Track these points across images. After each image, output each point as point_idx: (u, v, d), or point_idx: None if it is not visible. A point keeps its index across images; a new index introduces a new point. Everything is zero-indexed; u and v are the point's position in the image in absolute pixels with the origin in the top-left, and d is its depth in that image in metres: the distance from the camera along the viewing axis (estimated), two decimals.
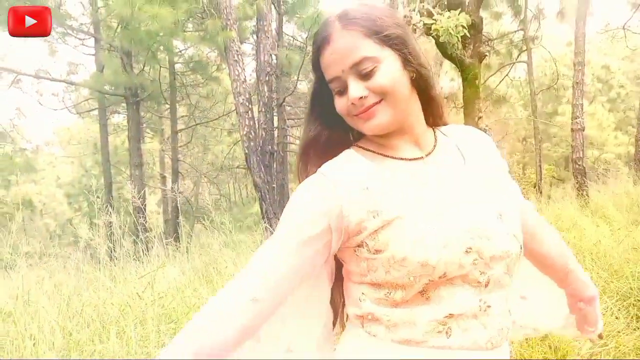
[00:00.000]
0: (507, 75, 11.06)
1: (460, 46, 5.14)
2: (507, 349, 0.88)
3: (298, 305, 0.92)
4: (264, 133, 7.97)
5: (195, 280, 3.45)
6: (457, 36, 4.49)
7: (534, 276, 1.13)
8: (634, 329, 2.45)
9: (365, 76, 0.82)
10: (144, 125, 12.55)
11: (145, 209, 7.51)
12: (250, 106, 7.69)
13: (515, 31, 10.62)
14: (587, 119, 13.42)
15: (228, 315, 0.78)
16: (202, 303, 1.56)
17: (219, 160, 13.93)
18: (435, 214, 0.82)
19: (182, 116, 13.19)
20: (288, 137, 10.03)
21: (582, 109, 8.32)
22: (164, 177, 13.43)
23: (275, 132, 9.16)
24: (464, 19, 4.48)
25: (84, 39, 10.84)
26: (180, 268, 3.80)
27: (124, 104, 10.93)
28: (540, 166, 9.61)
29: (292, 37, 11.23)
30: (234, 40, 7.38)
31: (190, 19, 8.75)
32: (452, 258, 0.78)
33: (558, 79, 11.76)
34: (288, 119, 10.16)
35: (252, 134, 7.60)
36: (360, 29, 0.82)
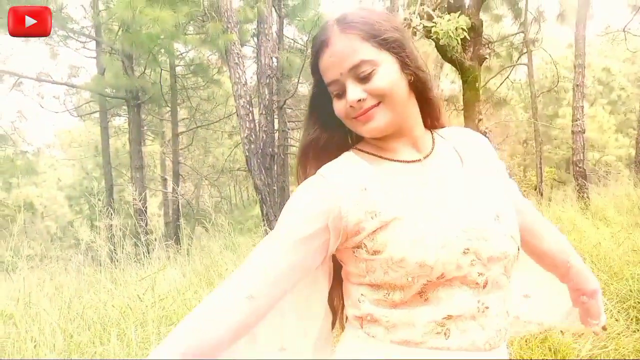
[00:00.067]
0: (507, 77, 11.06)
1: (460, 49, 5.15)
2: (505, 350, 0.89)
3: (295, 305, 0.92)
4: (264, 135, 7.98)
5: (196, 283, 3.45)
6: (457, 39, 4.50)
7: (535, 274, 1.15)
8: (634, 331, 2.45)
9: (364, 79, 0.83)
10: (145, 127, 12.56)
11: (146, 212, 7.52)
12: (250, 109, 7.70)
13: (516, 34, 10.63)
14: (587, 122, 13.42)
15: (223, 313, 0.78)
16: None
17: (220, 162, 13.94)
18: (433, 215, 0.82)
19: (183, 119, 13.21)
20: (289, 139, 10.04)
21: (582, 111, 8.32)
22: (164, 180, 13.45)
23: (276, 135, 9.18)
24: (463, 21, 4.49)
25: (85, 42, 10.88)
26: (181, 270, 3.81)
27: (125, 107, 10.95)
28: (540, 168, 9.61)
29: (292, 39, 11.25)
30: (234, 43, 7.40)
31: (191, 22, 8.77)
32: (450, 258, 0.79)
33: (558, 81, 11.77)
34: (289, 122, 10.17)
35: (253, 136, 7.62)
36: (359, 32, 0.83)
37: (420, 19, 4.71)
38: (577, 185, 7.99)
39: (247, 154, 7.63)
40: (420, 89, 0.90)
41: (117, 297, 2.87)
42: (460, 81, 6.14)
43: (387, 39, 0.84)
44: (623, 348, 2.28)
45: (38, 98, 12.60)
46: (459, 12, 4.94)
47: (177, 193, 9.02)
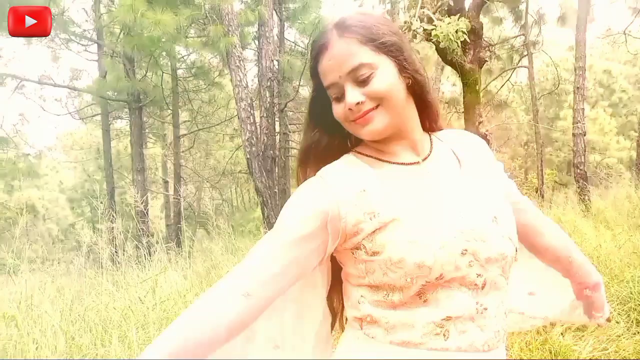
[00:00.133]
0: (508, 80, 11.07)
1: (460, 52, 5.16)
2: (503, 351, 0.89)
3: (294, 305, 0.93)
4: (265, 138, 8.00)
5: (197, 285, 3.46)
6: (457, 42, 4.52)
7: (539, 271, 1.16)
8: (634, 333, 2.44)
9: (362, 82, 0.84)
10: (147, 130, 12.57)
11: (147, 214, 7.53)
12: (252, 111, 7.72)
13: (516, 36, 10.64)
14: (589, 124, 13.43)
15: (219, 310, 0.78)
16: None
17: (221, 165, 13.95)
18: (431, 217, 0.83)
19: (185, 121, 13.22)
20: (290, 142, 10.04)
21: (583, 113, 8.33)
22: (166, 182, 13.46)
23: (277, 138, 9.19)
24: (464, 24, 4.51)
25: (87, 45, 10.92)
26: (182, 273, 3.81)
27: (126, 110, 10.97)
28: (542, 171, 9.60)
29: (293, 42, 11.27)
30: (235, 46, 7.42)
31: (193, 25, 8.79)
32: (449, 259, 0.80)
33: (559, 83, 11.78)
34: (290, 124, 10.18)
35: (254, 139, 7.63)
36: (357, 36, 0.84)
37: (421, 22, 4.73)
38: (578, 187, 7.99)
39: (248, 156, 7.64)
40: (418, 92, 0.91)
41: (119, 300, 2.88)
42: (461, 84, 6.16)
43: (385, 43, 0.85)
44: (623, 350, 2.27)
45: (40, 101, 12.67)
46: (459, 15, 4.96)
47: (178, 195, 9.03)
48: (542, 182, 9.54)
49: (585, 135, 8.32)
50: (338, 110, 0.88)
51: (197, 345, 0.76)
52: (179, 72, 11.60)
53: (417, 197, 0.85)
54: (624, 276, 2.85)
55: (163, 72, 10.49)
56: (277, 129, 9.37)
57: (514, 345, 2.26)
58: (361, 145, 0.94)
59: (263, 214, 7.73)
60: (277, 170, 8.59)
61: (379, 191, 0.84)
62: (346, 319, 0.94)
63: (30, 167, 12.55)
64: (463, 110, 6.22)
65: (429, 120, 0.97)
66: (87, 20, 10.86)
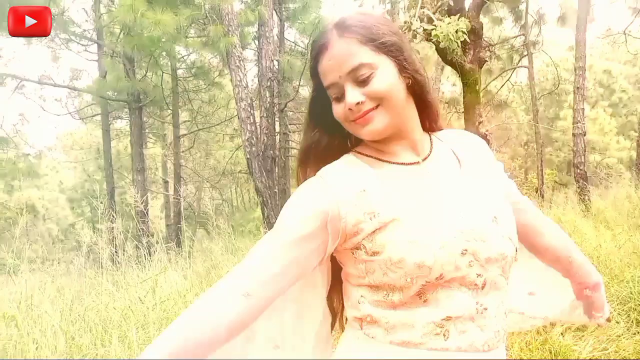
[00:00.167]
0: (508, 80, 11.08)
1: (460, 52, 5.16)
2: (503, 351, 0.89)
3: (294, 305, 0.93)
4: (265, 138, 8.00)
5: (197, 285, 3.46)
6: (457, 42, 4.52)
7: (539, 271, 1.16)
8: (634, 333, 2.44)
9: (362, 82, 0.84)
10: (147, 130, 12.57)
11: (147, 214, 7.53)
12: (252, 111, 7.73)
13: (517, 36, 10.64)
14: (589, 124, 13.43)
15: (219, 309, 0.79)
16: None
17: (221, 165, 13.95)
18: (431, 217, 0.83)
19: (185, 121, 13.22)
20: (290, 142, 10.04)
21: (583, 113, 8.33)
22: (166, 182, 13.46)
23: (277, 137, 9.20)
24: (464, 24, 4.51)
25: (87, 45, 10.92)
26: (182, 273, 3.81)
27: (126, 110, 10.97)
28: (542, 171, 9.61)
29: (293, 42, 11.27)
30: (235, 46, 7.43)
31: (193, 25, 8.79)
32: (448, 259, 0.80)
33: (559, 83, 11.78)
34: (290, 124, 10.18)
35: (254, 139, 7.64)
36: (357, 36, 0.84)
37: (421, 22, 4.73)
38: (578, 187, 7.99)
39: (248, 156, 7.65)
40: (418, 92, 0.91)
41: (119, 300, 2.88)
42: (461, 84, 6.16)
43: (385, 43, 0.85)
44: (623, 350, 2.28)
45: (40, 101, 12.67)
46: (459, 15, 4.96)
47: (178, 195, 9.04)
48: (542, 182, 9.54)
49: (585, 135, 8.33)
50: (338, 110, 0.88)
51: (197, 345, 0.76)
52: (179, 72, 11.60)
53: (417, 197, 0.85)
54: (623, 276, 2.85)
55: (163, 72, 10.49)
56: (277, 129, 9.38)
57: (514, 345, 2.26)
58: (361, 145, 0.94)
59: (263, 214, 7.74)
60: (277, 170, 8.59)
61: (379, 191, 0.84)
62: (346, 319, 0.94)
63: (30, 167, 12.55)
64: (463, 110, 6.22)
65: (429, 120, 0.97)
66: (87, 20, 10.87)
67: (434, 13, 4.90)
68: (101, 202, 3.83)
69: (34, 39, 9.60)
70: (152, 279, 2.94)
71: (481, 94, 6.00)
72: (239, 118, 7.84)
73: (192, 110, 12.47)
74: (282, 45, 10.19)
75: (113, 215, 3.79)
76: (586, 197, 7.50)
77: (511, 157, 16.59)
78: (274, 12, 9.02)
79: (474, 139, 1.02)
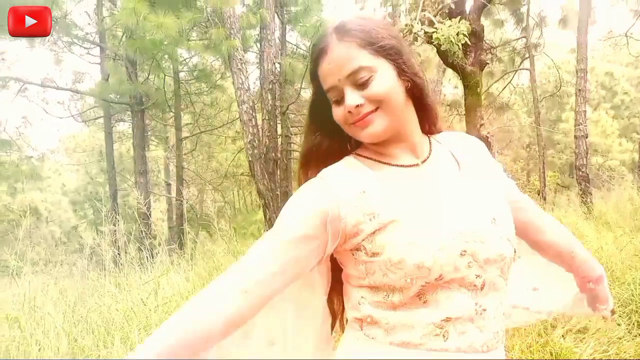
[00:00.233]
0: (509, 82, 11.07)
1: (461, 54, 5.17)
2: (502, 351, 0.90)
3: (294, 305, 0.94)
4: (267, 141, 8.02)
5: (199, 287, 3.46)
6: (458, 44, 4.53)
7: (541, 267, 1.18)
8: (635, 336, 2.44)
9: (362, 85, 0.85)
10: (149, 133, 12.59)
11: (150, 216, 7.54)
12: (254, 114, 7.74)
13: (518, 39, 10.64)
14: (591, 126, 13.40)
15: (217, 305, 0.80)
16: None
17: (223, 167, 13.94)
18: (431, 218, 0.84)
19: (187, 124, 13.23)
20: (292, 144, 10.05)
21: (585, 115, 8.33)
22: (168, 185, 13.47)
23: (279, 140, 9.20)
24: (464, 27, 4.52)
25: (89, 48, 10.95)
26: (184, 275, 3.82)
27: (129, 112, 11.00)
28: (544, 173, 9.60)
29: (295, 45, 11.28)
30: (237, 49, 7.45)
31: (195, 28, 8.82)
32: (448, 260, 0.81)
33: (561, 86, 11.77)
34: (292, 127, 10.18)
35: (256, 141, 7.65)
36: (356, 40, 0.85)
37: (422, 25, 4.74)
38: (580, 190, 7.98)
39: (251, 159, 7.66)
40: (417, 95, 0.92)
41: (121, 301, 2.89)
42: (462, 86, 6.16)
43: (384, 46, 0.86)
44: (624, 352, 2.27)
45: (43, 104, 12.67)
46: (460, 17, 4.97)
47: (181, 198, 9.05)
48: (544, 185, 9.53)
49: (587, 137, 8.31)
50: (338, 113, 0.89)
51: (192, 340, 0.78)
52: (181, 74, 11.62)
53: (416, 199, 0.86)
54: (625, 278, 2.85)
55: (165, 75, 10.52)
56: (279, 131, 9.38)
57: (514, 347, 2.26)
58: (361, 148, 0.95)
59: (265, 216, 7.74)
60: (279, 173, 8.60)
61: (379, 193, 0.85)
62: (346, 320, 0.95)
63: (33, 169, 12.59)
64: (464, 112, 6.22)
65: (428, 123, 0.98)
66: (89, 24, 10.90)
67: (435, 16, 4.91)
68: (104, 205, 3.84)
69: (36, 42, 9.65)
70: (154, 281, 2.95)
71: (482, 97, 6.00)
72: (241, 121, 7.85)
73: (194, 112, 12.48)
74: (283, 48, 10.21)
75: (116, 218, 3.80)
76: (588, 200, 7.49)
77: (513, 160, 16.56)
78: (275, 15, 9.04)
79: (472, 141, 1.03)
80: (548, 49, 10.92)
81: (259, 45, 9.23)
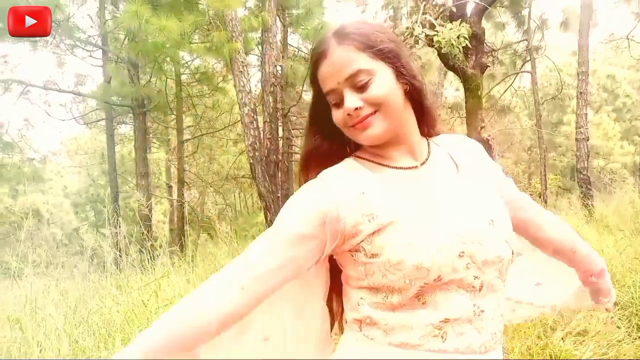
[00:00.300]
0: (511, 85, 11.08)
1: (462, 57, 5.18)
2: (500, 352, 0.91)
3: (292, 305, 0.95)
4: (269, 143, 8.03)
5: None
6: (458, 47, 4.54)
7: (543, 262, 1.20)
8: (635, 339, 2.43)
9: (360, 88, 0.86)
10: (151, 135, 12.60)
11: (151, 218, 7.55)
12: (255, 116, 7.76)
13: (519, 41, 10.66)
14: (592, 129, 13.37)
15: (214, 300, 0.81)
16: None
17: (225, 170, 13.95)
18: (429, 220, 0.85)
19: (188, 126, 13.24)
20: (293, 147, 10.06)
21: (586, 118, 8.33)
22: (170, 187, 13.49)
23: (280, 142, 9.21)
24: (465, 30, 4.53)
25: (91, 51, 10.97)
26: (185, 277, 3.82)
27: (130, 115, 11.00)
28: (545, 176, 9.60)
29: (297, 48, 11.31)
30: (239, 52, 7.47)
31: (197, 31, 8.82)
32: (446, 261, 0.81)
33: (562, 88, 11.78)
34: (293, 129, 10.20)
35: (257, 144, 7.66)
36: (355, 43, 0.87)
37: (423, 28, 4.75)
38: (581, 192, 7.97)
39: (252, 161, 7.67)
40: (416, 98, 0.93)
41: (122, 303, 2.90)
42: (463, 89, 6.17)
43: (382, 50, 0.87)
44: (624, 355, 2.27)
45: (45, 106, 12.67)
46: (461, 20, 4.98)
47: (182, 200, 9.05)
48: (546, 187, 9.53)
49: (588, 140, 8.32)
50: (337, 115, 0.90)
51: (190, 332, 0.79)
52: (183, 77, 11.63)
53: (415, 201, 0.87)
54: (625, 281, 2.84)
55: (167, 78, 10.53)
56: (280, 133, 9.40)
57: (514, 350, 2.26)
58: (361, 150, 0.96)
59: (266, 218, 7.75)
60: (280, 175, 8.60)
61: (378, 194, 0.86)
62: (346, 321, 0.95)
63: (35, 171, 12.61)
64: (465, 115, 6.22)
65: (426, 126, 0.99)
66: (92, 27, 10.92)
67: (435, 19, 4.92)
68: (104, 207, 3.85)
69: (39, 44, 9.67)
70: (155, 283, 2.95)
71: (484, 99, 6.01)
72: (242, 123, 7.87)
73: (196, 115, 12.50)
74: (285, 51, 10.23)
75: (117, 220, 3.81)
76: (589, 203, 7.48)
77: (514, 162, 16.55)
78: (277, 18, 9.06)
79: (470, 144, 1.04)
80: (549, 51, 10.94)
81: (260, 48, 9.24)
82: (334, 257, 0.93)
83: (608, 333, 2.36)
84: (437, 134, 1.02)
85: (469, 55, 5.38)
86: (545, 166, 9.71)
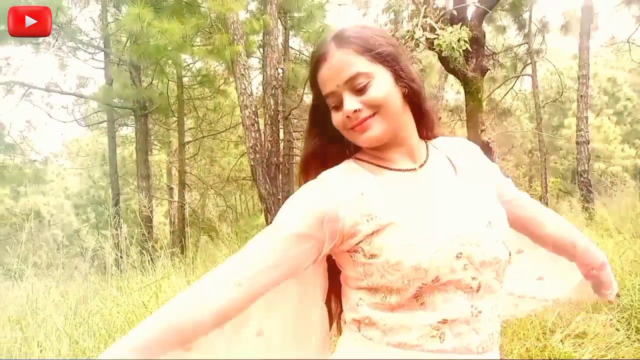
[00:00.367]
0: (512, 88, 11.09)
1: (462, 60, 5.19)
2: (497, 353, 0.91)
3: (290, 304, 0.96)
4: (269, 145, 8.04)
5: None
6: (459, 50, 4.55)
7: (545, 257, 1.21)
8: (634, 341, 2.43)
9: (360, 91, 0.87)
10: (152, 137, 12.63)
11: (152, 220, 7.55)
12: (256, 119, 7.77)
13: (520, 44, 10.68)
14: (593, 132, 13.38)
15: (210, 296, 0.82)
16: None
17: (226, 172, 13.95)
18: (427, 221, 0.86)
19: (190, 128, 13.25)
20: (294, 149, 10.08)
21: (586, 121, 8.34)
22: (171, 189, 13.50)
23: (281, 145, 9.23)
24: (465, 33, 4.55)
25: (93, 53, 11.00)
26: (186, 278, 3.83)
27: (132, 117, 11.02)
28: (545, 179, 9.60)
29: (298, 51, 11.34)
30: (240, 55, 7.49)
31: (198, 34, 8.86)
32: (444, 262, 0.82)
33: (563, 91, 11.79)
34: (294, 132, 10.22)
35: (258, 146, 7.67)
36: (354, 47, 0.88)
37: (423, 31, 4.77)
38: (582, 195, 7.98)
39: (253, 163, 7.68)
40: (414, 101, 0.94)
41: (122, 304, 2.90)
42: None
43: (381, 53, 0.88)
44: (623, 357, 2.27)
45: (47, 108, 12.73)
46: (461, 24, 5.00)
47: (183, 202, 9.07)
48: (546, 190, 9.53)
49: (589, 143, 8.33)
50: (337, 118, 0.91)
51: (183, 325, 0.80)
52: (185, 79, 11.65)
53: (414, 203, 0.88)
54: (624, 284, 2.84)
55: (169, 80, 10.55)
56: (282, 136, 9.41)
57: (513, 351, 2.26)
58: (360, 152, 0.97)
59: (266, 220, 7.75)
60: (280, 177, 8.61)
61: (377, 195, 0.87)
62: (344, 321, 0.96)
63: (37, 173, 12.61)
64: (466, 118, 6.24)
65: (425, 129, 1.00)
66: (94, 29, 10.97)
67: (436, 22, 4.94)
68: (106, 209, 3.86)
69: (41, 47, 9.70)
70: (155, 284, 2.96)
71: (484, 102, 6.02)
72: (243, 125, 7.88)
73: (197, 117, 12.51)
74: (286, 54, 10.25)
75: (118, 221, 3.82)
76: (590, 206, 7.48)
77: (515, 165, 16.55)
78: (278, 21, 9.09)
79: (468, 146, 1.05)
80: (550, 55, 10.96)
81: (262, 50, 9.27)
82: (333, 257, 0.94)
83: (607, 335, 2.36)
84: (436, 137, 1.03)
85: (470, 59, 5.40)
86: (546, 169, 9.72)
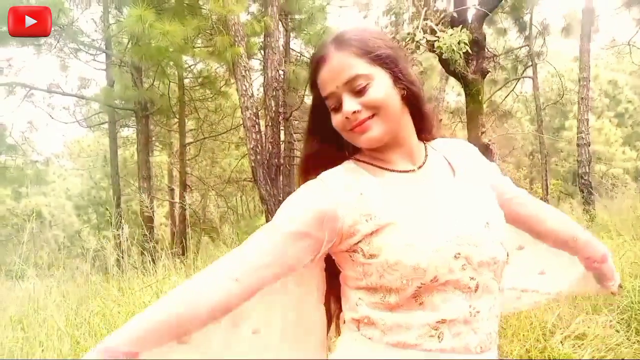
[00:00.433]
0: (512, 90, 11.09)
1: (463, 62, 5.20)
2: (496, 352, 0.92)
3: (289, 304, 0.97)
4: (270, 147, 8.04)
5: None
6: (459, 52, 4.56)
7: (546, 252, 1.22)
8: (634, 343, 2.43)
9: (359, 92, 0.88)
10: (153, 138, 12.63)
11: (153, 221, 7.56)
12: (257, 120, 7.78)
13: (521, 47, 10.68)
14: (594, 134, 13.38)
15: (207, 289, 0.83)
16: None
17: (227, 173, 13.97)
18: (426, 222, 0.86)
19: (191, 130, 13.27)
20: (294, 150, 10.09)
21: (587, 124, 8.34)
22: (172, 190, 13.50)
23: (282, 146, 9.23)
24: (466, 35, 4.56)
25: (95, 55, 11.02)
26: (187, 279, 3.83)
27: (133, 118, 11.03)
28: (546, 181, 9.60)
29: (299, 53, 11.35)
30: (241, 56, 7.50)
31: (200, 36, 8.87)
32: (443, 262, 0.83)
33: (563, 94, 11.79)
34: (295, 133, 10.23)
35: (259, 147, 7.68)
36: (354, 49, 0.89)
37: (424, 34, 4.78)
38: (583, 197, 7.98)
39: (254, 164, 7.69)
40: (413, 103, 0.95)
41: (123, 305, 2.91)
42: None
43: (380, 55, 0.90)
44: (622, 359, 2.27)
45: (48, 109, 12.71)
46: (462, 26, 5.01)
47: (184, 203, 9.07)
48: (547, 192, 9.52)
49: (589, 145, 8.33)
50: (336, 120, 0.92)
51: (179, 317, 0.81)
52: (186, 81, 11.66)
53: (413, 203, 0.89)
54: (624, 285, 2.85)
55: (170, 82, 10.56)
56: (282, 137, 9.41)
57: (513, 352, 2.26)
58: (359, 154, 0.98)
59: (267, 221, 7.70)
60: (281, 179, 8.61)
61: (376, 196, 0.88)
62: (343, 321, 0.97)
63: (38, 174, 12.62)
64: (466, 120, 6.24)
65: (424, 130, 1.00)
66: (96, 30, 10.98)
67: (437, 25, 4.95)
68: (107, 209, 3.87)
69: (43, 48, 9.72)
70: (156, 285, 2.97)
71: (484, 104, 6.03)
72: (244, 127, 7.89)
73: (199, 118, 12.53)
74: (287, 56, 10.26)
75: (119, 222, 3.83)
76: (591, 208, 7.47)
77: (516, 167, 16.56)
78: (279, 23, 9.10)
79: (466, 147, 1.06)
80: (551, 57, 10.97)
81: (263, 52, 9.27)
82: (333, 257, 0.95)
83: (607, 337, 2.37)
84: (434, 138, 1.04)
85: (470, 61, 5.41)
86: (546, 171, 9.72)
